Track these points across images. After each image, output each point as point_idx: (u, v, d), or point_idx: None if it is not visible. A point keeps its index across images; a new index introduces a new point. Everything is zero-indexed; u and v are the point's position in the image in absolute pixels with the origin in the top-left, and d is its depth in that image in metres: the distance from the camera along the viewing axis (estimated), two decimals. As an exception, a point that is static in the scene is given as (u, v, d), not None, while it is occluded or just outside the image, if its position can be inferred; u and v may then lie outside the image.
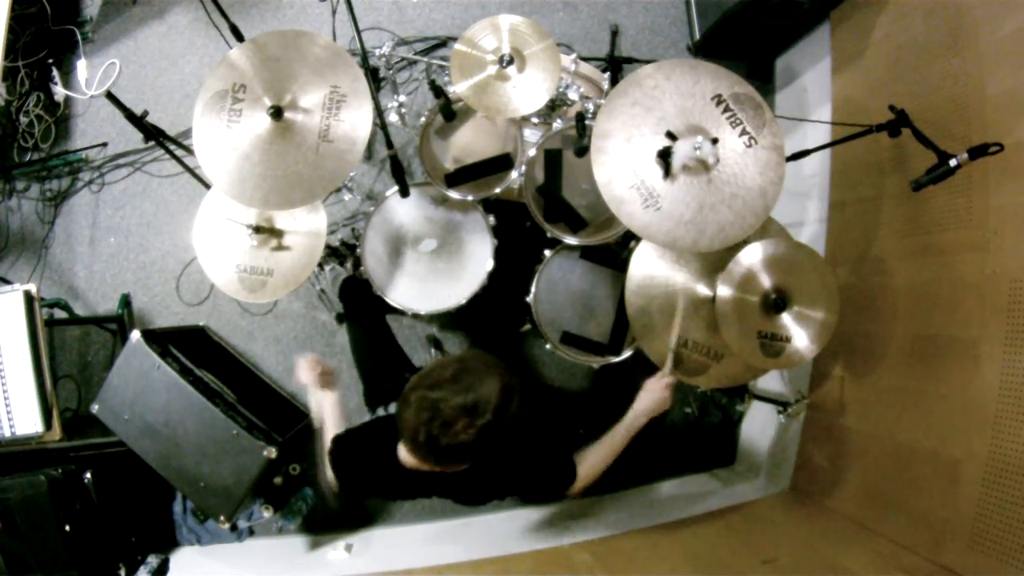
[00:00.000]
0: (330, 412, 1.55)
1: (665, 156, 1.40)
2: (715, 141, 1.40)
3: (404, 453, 1.22)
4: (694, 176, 1.42)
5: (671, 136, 1.41)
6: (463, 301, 1.86)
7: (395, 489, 1.40)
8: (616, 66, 2.53)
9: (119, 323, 2.41)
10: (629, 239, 1.88)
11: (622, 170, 1.43)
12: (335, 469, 1.40)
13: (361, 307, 1.92)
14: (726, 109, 1.44)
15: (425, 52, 2.55)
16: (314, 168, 1.47)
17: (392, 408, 1.61)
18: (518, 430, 1.32)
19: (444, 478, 1.26)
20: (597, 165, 1.43)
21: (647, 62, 1.74)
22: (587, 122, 1.70)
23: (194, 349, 2.09)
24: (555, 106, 1.96)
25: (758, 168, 1.42)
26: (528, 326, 2.02)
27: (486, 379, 1.11)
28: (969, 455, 1.59)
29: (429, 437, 1.07)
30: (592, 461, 1.47)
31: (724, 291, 1.59)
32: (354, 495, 1.41)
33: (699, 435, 2.55)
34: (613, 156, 1.44)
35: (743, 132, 1.43)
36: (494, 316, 2.12)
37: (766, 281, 1.59)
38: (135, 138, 2.45)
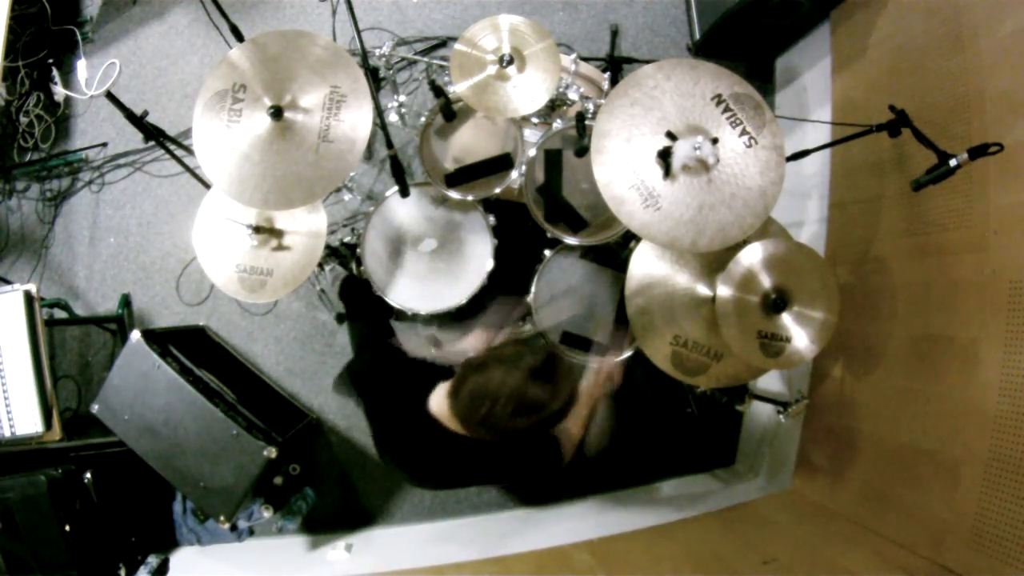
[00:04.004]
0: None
1: (665, 156, 1.40)
2: (715, 141, 1.40)
3: (438, 403, 1.20)
4: (694, 176, 1.42)
5: (671, 136, 1.41)
6: (463, 301, 1.86)
7: (401, 427, 1.33)
8: (616, 66, 2.53)
9: (119, 323, 2.41)
10: (629, 239, 1.88)
11: (622, 170, 1.43)
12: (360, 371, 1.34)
13: (362, 307, 1.92)
14: (726, 109, 1.44)
15: (425, 52, 2.55)
16: (314, 168, 1.47)
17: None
18: None
19: (455, 437, 1.24)
20: (597, 165, 1.43)
21: (647, 62, 1.74)
22: (587, 122, 1.70)
23: (194, 349, 2.09)
24: (555, 106, 1.96)
25: (758, 168, 1.42)
26: (528, 326, 2.02)
27: (562, 387, 1.13)
28: (969, 455, 1.59)
29: (490, 414, 1.07)
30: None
31: (724, 291, 1.59)
32: (367, 399, 1.38)
33: (699, 435, 2.55)
34: (613, 156, 1.43)
35: (743, 132, 1.43)
36: (494, 316, 2.12)
37: (766, 281, 1.59)
38: (135, 138, 2.46)
